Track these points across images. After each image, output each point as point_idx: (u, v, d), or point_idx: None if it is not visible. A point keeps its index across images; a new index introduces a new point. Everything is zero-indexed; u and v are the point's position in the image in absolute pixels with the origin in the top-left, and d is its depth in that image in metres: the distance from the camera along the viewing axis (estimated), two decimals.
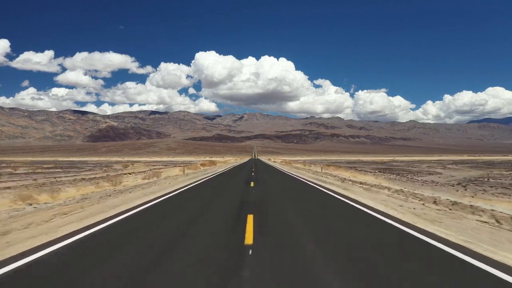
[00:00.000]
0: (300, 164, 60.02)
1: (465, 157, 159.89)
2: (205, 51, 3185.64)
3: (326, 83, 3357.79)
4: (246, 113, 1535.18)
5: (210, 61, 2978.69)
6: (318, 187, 17.16)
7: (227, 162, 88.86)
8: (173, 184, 18.78)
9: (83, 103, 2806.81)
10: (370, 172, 40.29)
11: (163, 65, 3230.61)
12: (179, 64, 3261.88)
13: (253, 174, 29.43)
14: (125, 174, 29.37)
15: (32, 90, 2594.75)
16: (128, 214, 8.93)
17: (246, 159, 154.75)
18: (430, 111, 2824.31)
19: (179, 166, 50.33)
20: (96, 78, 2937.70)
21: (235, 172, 34.60)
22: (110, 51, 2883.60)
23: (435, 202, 10.57)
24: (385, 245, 6.01)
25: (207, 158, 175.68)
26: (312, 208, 10.37)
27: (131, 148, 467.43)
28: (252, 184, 18.46)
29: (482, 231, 6.89)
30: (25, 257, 5.08)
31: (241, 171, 37.13)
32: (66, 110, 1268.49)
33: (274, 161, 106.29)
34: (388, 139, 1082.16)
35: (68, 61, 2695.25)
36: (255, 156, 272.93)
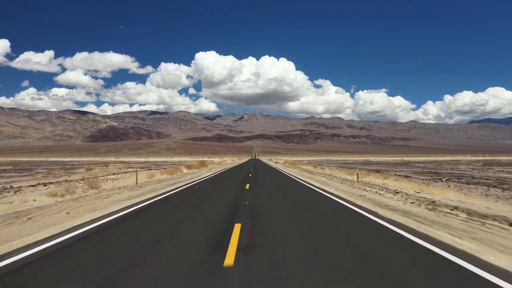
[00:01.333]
0: (309, 166, 48.82)
1: (478, 158, 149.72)
2: (205, 51, 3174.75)
3: (326, 83, 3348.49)
4: (246, 113, 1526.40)
5: (210, 61, 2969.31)
6: (417, 239, 6.26)
7: (221, 163, 75.80)
8: (73, 215, 8.67)
9: (83, 103, 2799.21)
10: (430, 181, 26.75)
11: (163, 65, 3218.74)
12: (179, 64, 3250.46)
13: (247, 187, 17.88)
14: (33, 186, 18.63)
15: (32, 90, 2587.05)
16: None
17: (245, 159, 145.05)
18: (431, 111, 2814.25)
19: (163, 168, 40.62)
20: (96, 78, 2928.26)
21: (221, 181, 23.73)
22: (110, 51, 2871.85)
23: None
24: None
25: (205, 159, 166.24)
26: None
27: (131, 149, 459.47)
28: (236, 230, 6.96)
29: None
30: None
31: (232, 178, 26.22)
32: (66, 110, 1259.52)
33: (276, 162, 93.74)
34: (389, 139, 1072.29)
35: (68, 61, 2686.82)
36: (255, 156, 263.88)
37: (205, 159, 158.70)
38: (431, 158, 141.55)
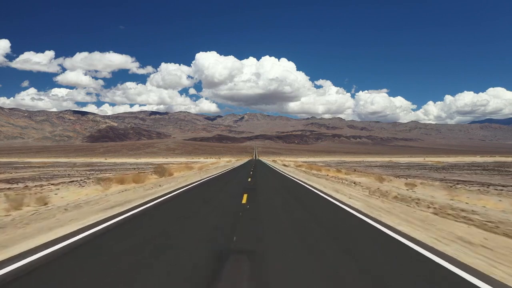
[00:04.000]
0: (359, 176, 29.92)
1: (497, 158, 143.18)
2: (206, 51, 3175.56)
3: (327, 83, 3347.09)
4: (246, 113, 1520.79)
5: (210, 61, 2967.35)
6: None
7: (204, 168, 49.27)
8: None
9: (83, 104, 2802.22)
10: None
11: (163, 65, 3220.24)
12: (179, 64, 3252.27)
13: None
14: None
15: (32, 90, 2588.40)
16: None
17: (244, 160, 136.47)
18: (431, 111, 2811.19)
19: (107, 173, 34.67)
20: (96, 78, 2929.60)
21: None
22: (110, 51, 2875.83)
23: None
24: None
25: (201, 159, 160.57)
26: None
27: (130, 149, 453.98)
28: None
29: None
30: None
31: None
32: (66, 110, 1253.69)
33: (284, 165, 66.50)
34: (390, 139, 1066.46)
35: (68, 61, 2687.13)
36: (255, 156, 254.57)
37: (202, 159, 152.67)
38: (461, 159, 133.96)
